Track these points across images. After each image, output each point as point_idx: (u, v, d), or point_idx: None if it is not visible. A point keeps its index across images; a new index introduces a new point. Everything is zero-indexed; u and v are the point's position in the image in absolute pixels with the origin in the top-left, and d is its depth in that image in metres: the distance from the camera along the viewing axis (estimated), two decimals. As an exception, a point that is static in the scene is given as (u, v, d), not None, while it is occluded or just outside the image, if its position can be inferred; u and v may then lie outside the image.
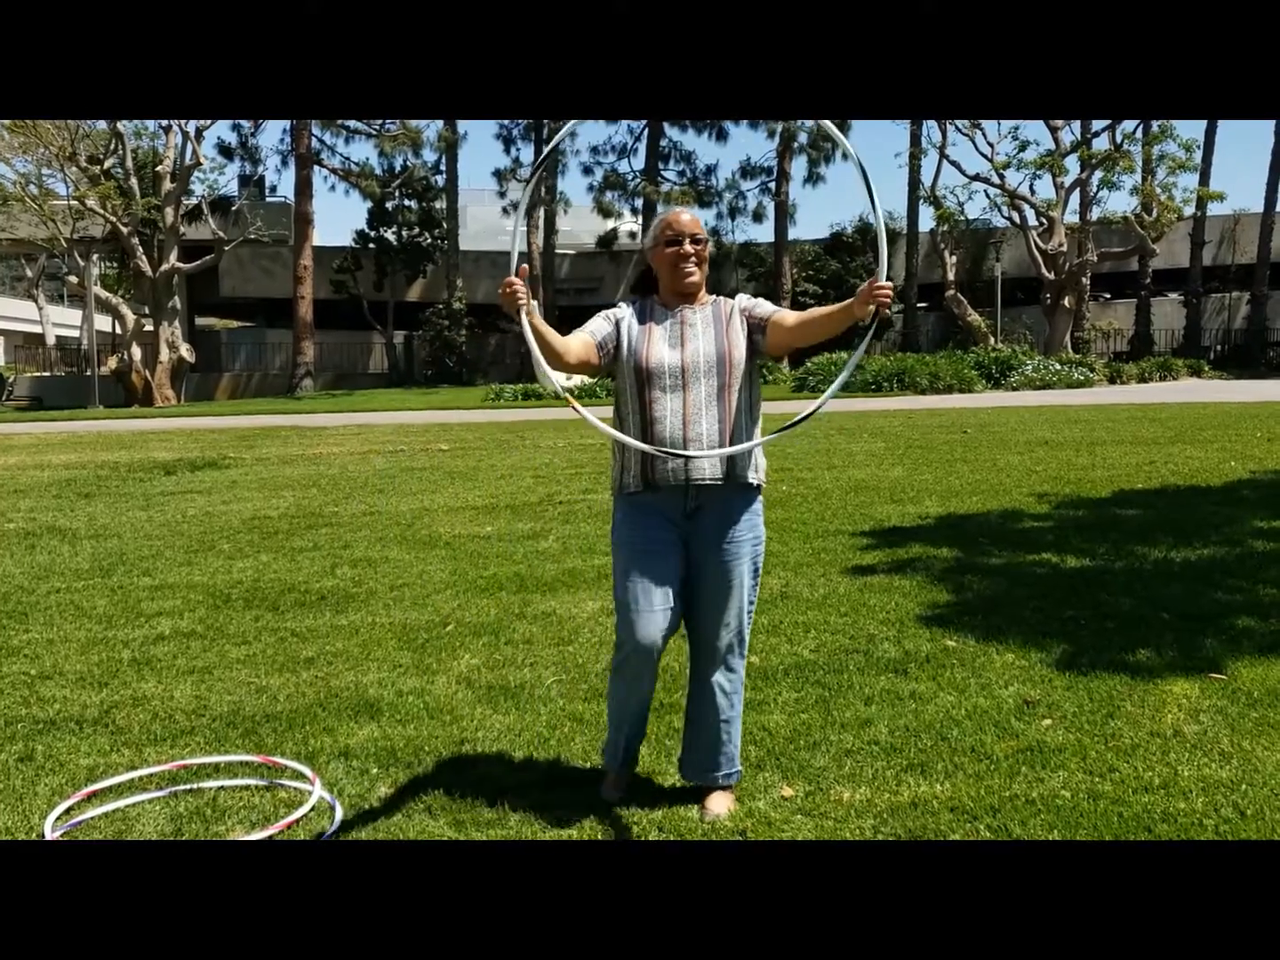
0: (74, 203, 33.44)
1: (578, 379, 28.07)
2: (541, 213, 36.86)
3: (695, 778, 3.45)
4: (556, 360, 3.16)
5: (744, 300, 3.39)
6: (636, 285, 3.48)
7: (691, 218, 3.37)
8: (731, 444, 3.22)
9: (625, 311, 3.36)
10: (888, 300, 2.95)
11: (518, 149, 38.20)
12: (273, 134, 55.94)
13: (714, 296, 3.43)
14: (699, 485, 3.22)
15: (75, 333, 51.82)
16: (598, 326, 3.32)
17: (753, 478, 3.30)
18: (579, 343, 3.24)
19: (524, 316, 3.02)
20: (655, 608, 3.28)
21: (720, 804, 3.35)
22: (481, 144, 79.38)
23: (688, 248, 3.29)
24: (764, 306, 3.36)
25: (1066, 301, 33.76)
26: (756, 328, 3.30)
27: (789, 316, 3.28)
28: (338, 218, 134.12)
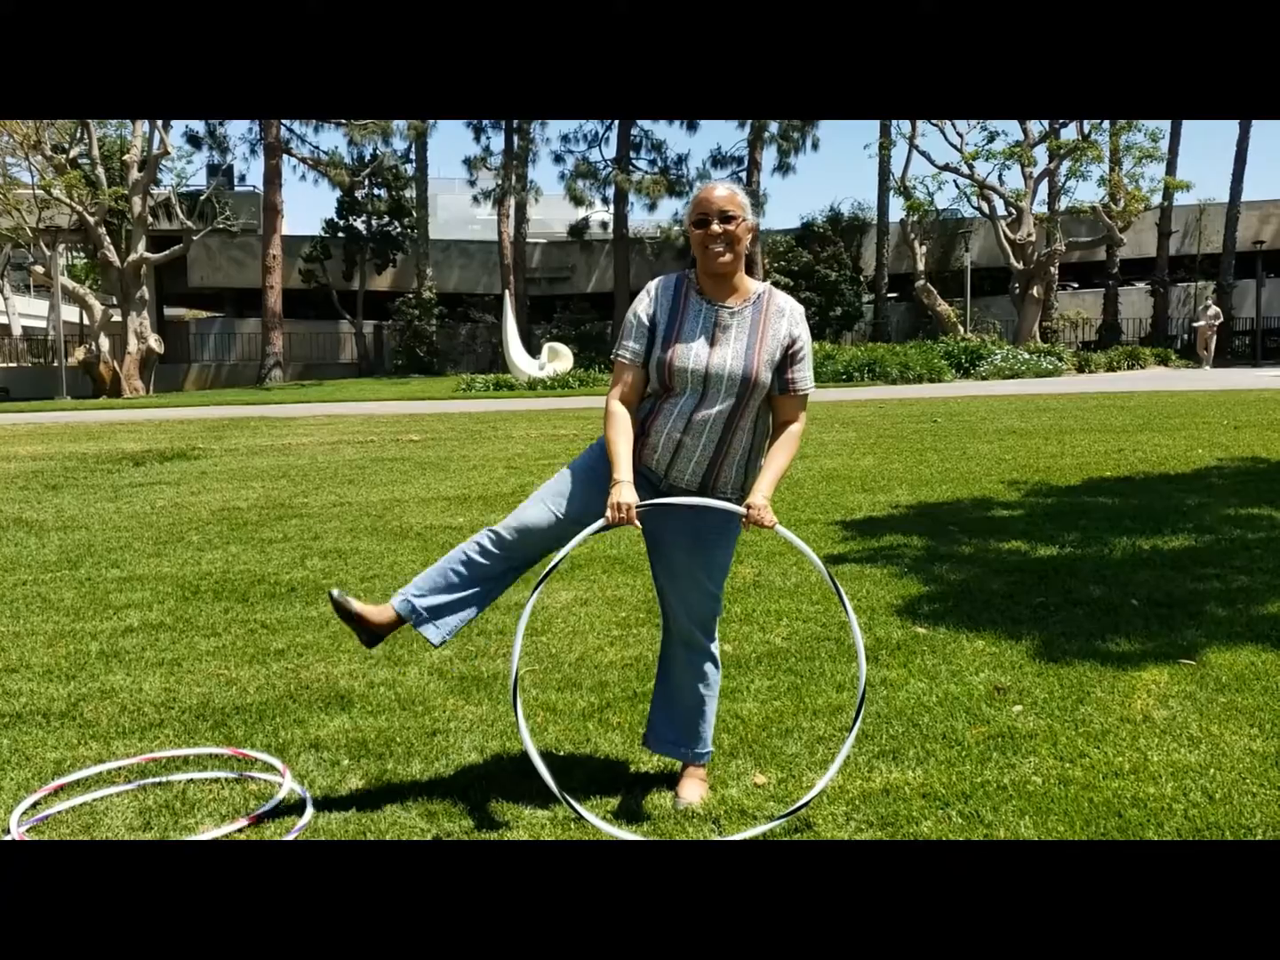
0: (39, 192, 33.04)
1: (550, 369, 27.96)
2: (512, 201, 36.71)
3: (665, 751, 3.44)
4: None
5: (795, 330, 3.24)
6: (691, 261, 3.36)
7: (727, 193, 3.18)
8: (722, 469, 3.22)
9: (652, 303, 3.24)
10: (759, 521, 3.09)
11: (488, 138, 37.98)
12: (241, 123, 55.18)
13: (763, 287, 3.27)
14: (674, 487, 3.26)
15: (42, 324, 51.28)
16: (635, 351, 3.21)
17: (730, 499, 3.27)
18: (637, 387, 3.21)
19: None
20: (561, 512, 3.20)
21: (693, 791, 3.33)
22: (451, 132, 79.05)
23: (715, 228, 3.14)
24: (799, 377, 3.25)
25: (1035, 291, 33.92)
26: (780, 385, 3.23)
27: (782, 414, 3.26)
28: (307, 207, 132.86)
